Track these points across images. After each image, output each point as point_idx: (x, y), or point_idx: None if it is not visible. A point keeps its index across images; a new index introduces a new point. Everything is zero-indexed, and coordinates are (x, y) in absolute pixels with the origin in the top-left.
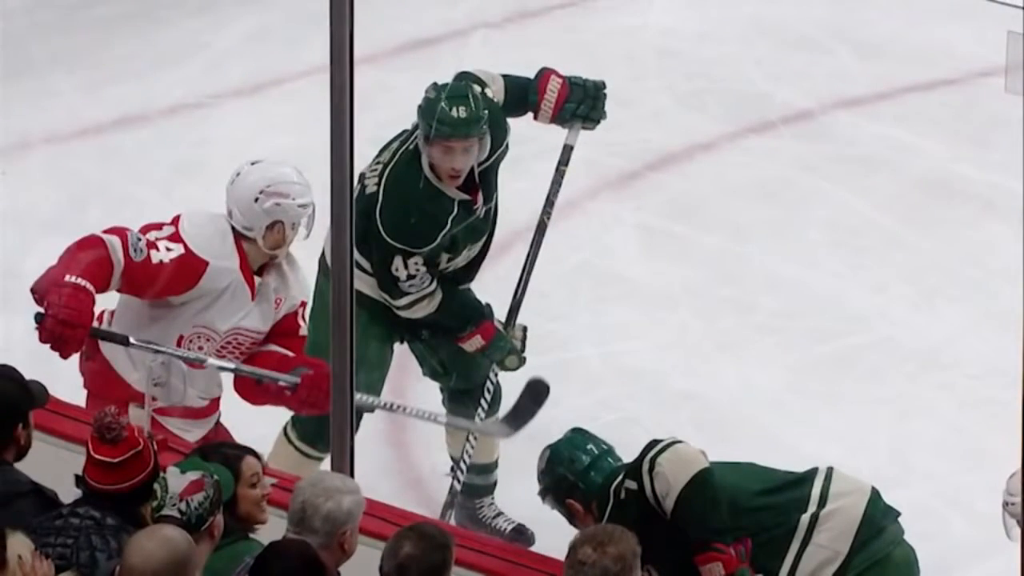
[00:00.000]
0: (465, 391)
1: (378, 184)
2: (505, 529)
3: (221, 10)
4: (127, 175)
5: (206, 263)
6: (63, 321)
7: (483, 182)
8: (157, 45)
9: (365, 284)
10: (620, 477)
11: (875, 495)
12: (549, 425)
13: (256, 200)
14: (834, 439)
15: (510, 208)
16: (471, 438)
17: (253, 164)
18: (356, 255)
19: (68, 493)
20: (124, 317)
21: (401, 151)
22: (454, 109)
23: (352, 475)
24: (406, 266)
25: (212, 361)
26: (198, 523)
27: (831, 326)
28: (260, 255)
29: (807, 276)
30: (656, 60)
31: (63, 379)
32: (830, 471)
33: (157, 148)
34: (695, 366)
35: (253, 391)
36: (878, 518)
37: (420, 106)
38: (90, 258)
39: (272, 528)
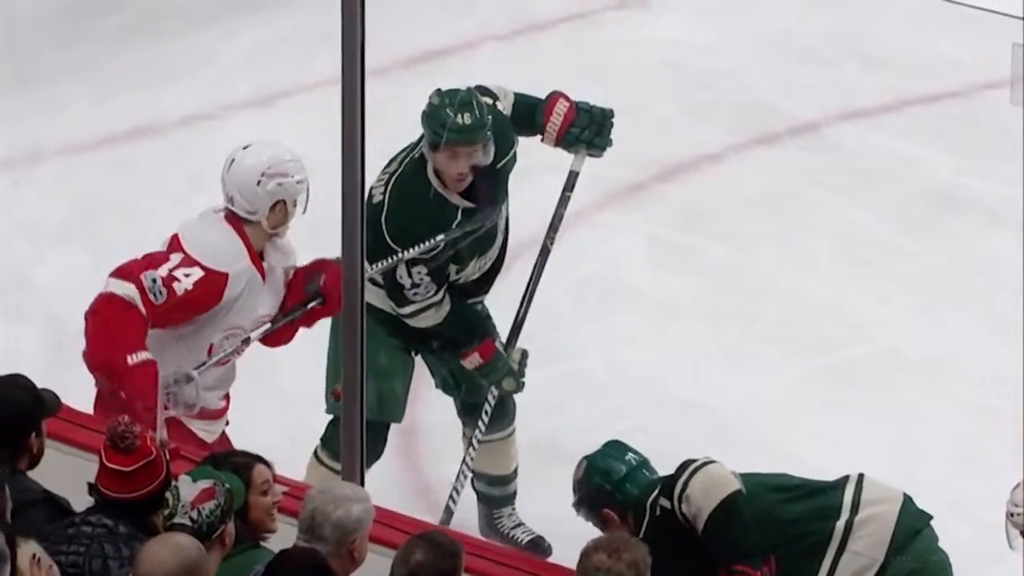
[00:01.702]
0: (476, 404)
1: (384, 192)
2: (522, 540)
3: (232, 22)
4: (138, 186)
5: (226, 274)
6: (151, 408)
7: (492, 191)
8: (168, 57)
9: (376, 296)
10: (655, 492)
11: (907, 500)
12: (556, 434)
13: (259, 183)
14: (838, 448)
15: (517, 219)
16: (473, 445)
17: (245, 148)
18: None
19: (81, 501)
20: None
21: (407, 160)
22: (460, 116)
23: (362, 484)
24: (410, 274)
25: (254, 335)
26: (209, 531)
27: (836, 336)
28: (262, 237)
29: (812, 286)
30: (663, 72)
31: (75, 388)
32: (861, 478)
33: (168, 159)
34: (701, 375)
35: (287, 332)
36: (912, 523)
37: (424, 112)
38: (128, 323)
39: (283, 536)
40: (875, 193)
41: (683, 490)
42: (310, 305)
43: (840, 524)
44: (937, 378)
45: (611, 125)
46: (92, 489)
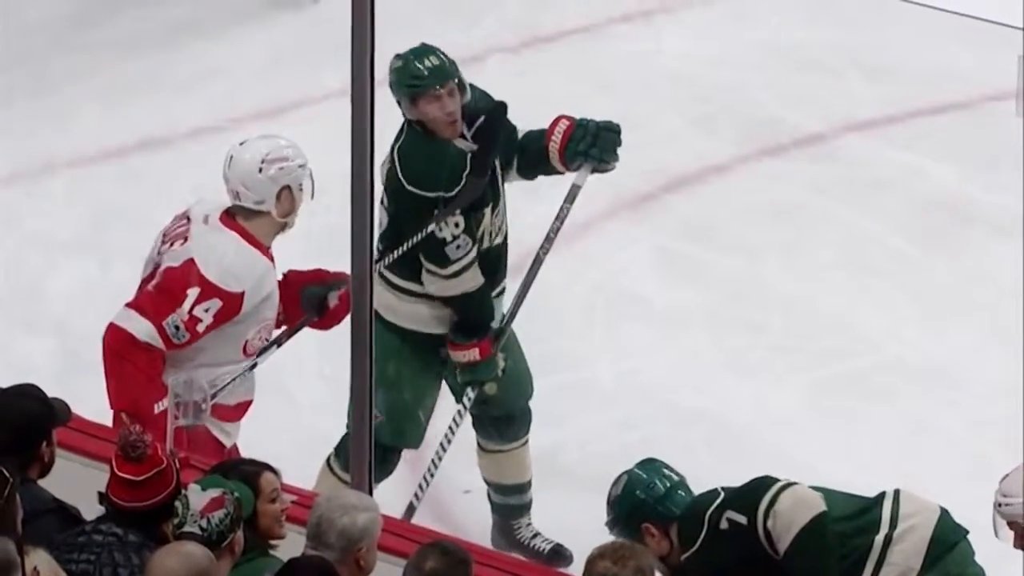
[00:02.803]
0: (497, 417)
1: (392, 159)
2: (544, 549)
3: (241, 33)
4: (149, 198)
5: (242, 293)
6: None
7: (491, 132)
8: (178, 68)
9: (407, 318)
10: (717, 504)
11: (944, 513)
12: (565, 444)
13: (260, 170)
14: (845, 457)
15: (525, 233)
16: (455, 422)
17: (241, 144)
18: (398, 279)
19: (91, 510)
20: (178, 354)
21: (403, 136)
22: (425, 61)
23: (371, 492)
24: (447, 224)
25: (260, 358)
26: (219, 540)
27: (842, 346)
28: (273, 228)
29: (818, 296)
30: (670, 84)
31: (85, 398)
32: (897, 493)
33: (178, 171)
34: (708, 385)
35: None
36: (948, 536)
37: (392, 80)
38: (150, 367)
39: (292, 545)
40: (881, 204)
41: (771, 505)
42: (305, 323)
43: (879, 538)
44: (942, 387)
45: (615, 138)
46: (102, 498)
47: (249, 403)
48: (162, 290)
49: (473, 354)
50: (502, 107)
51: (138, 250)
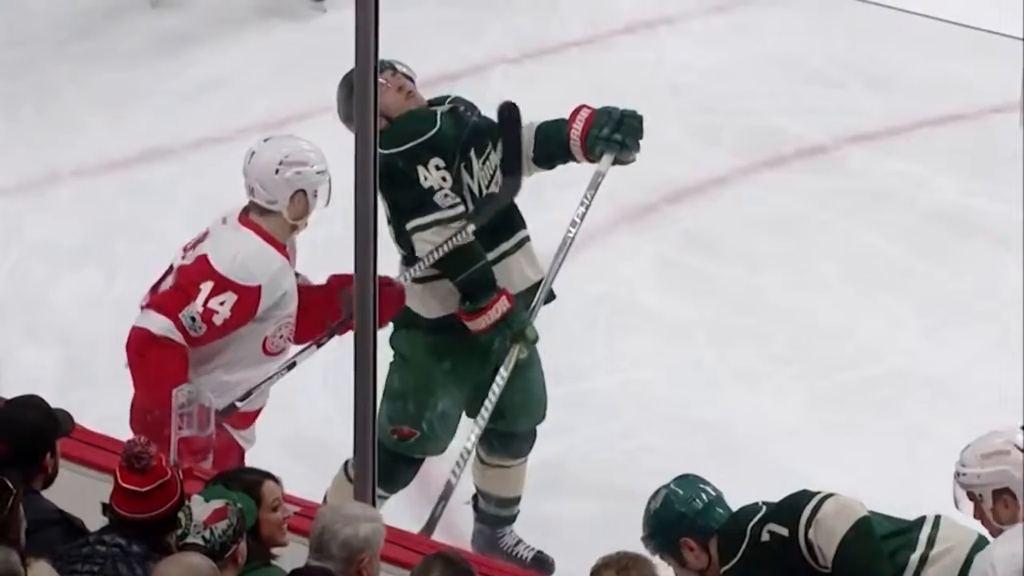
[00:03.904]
0: (504, 434)
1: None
2: (526, 557)
3: (245, 45)
4: (153, 209)
5: (259, 287)
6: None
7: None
8: (182, 79)
9: (438, 304)
10: (759, 518)
11: (981, 539)
12: (567, 455)
13: (277, 171)
14: (848, 467)
15: (536, 237)
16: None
17: (265, 141)
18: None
19: (94, 521)
20: (198, 353)
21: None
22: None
23: (374, 504)
24: (429, 171)
25: (299, 357)
26: (222, 550)
27: (844, 356)
28: (284, 229)
29: (820, 307)
30: (671, 95)
31: (89, 408)
32: (938, 518)
33: (183, 182)
34: (711, 396)
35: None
36: None
37: (343, 106)
38: (172, 362)
39: (294, 555)
40: (883, 215)
41: (813, 515)
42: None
43: (915, 556)
44: (945, 398)
45: (639, 126)
46: (106, 509)
47: (260, 410)
48: (177, 287)
49: (503, 304)
50: (512, 105)
51: (142, 261)
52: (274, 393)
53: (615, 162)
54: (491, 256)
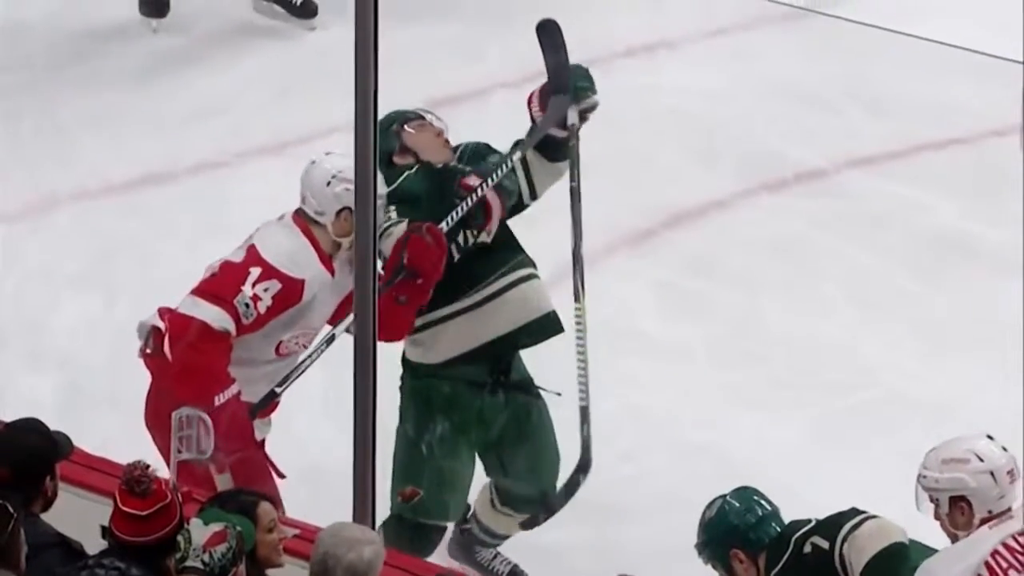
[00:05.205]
0: (518, 495)
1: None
2: (502, 572)
3: (245, 68)
4: (153, 232)
5: (303, 280)
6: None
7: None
8: (181, 102)
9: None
10: (806, 530)
11: None
12: (566, 477)
13: (328, 184)
14: (848, 491)
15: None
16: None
17: (327, 155)
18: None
19: (94, 544)
20: None
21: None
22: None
23: (373, 524)
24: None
25: (338, 330)
26: (221, 573)
27: (844, 380)
28: (329, 243)
29: (820, 331)
30: (670, 119)
31: (88, 432)
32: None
33: (183, 205)
34: (710, 419)
35: (397, 320)
36: None
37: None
38: (218, 357)
39: None
40: (883, 238)
41: (851, 531)
42: (398, 279)
43: None
44: (945, 422)
45: (585, 72)
46: (106, 532)
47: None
48: (225, 272)
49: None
50: (551, 23)
51: (142, 284)
52: (276, 417)
53: (582, 112)
54: (501, 285)
